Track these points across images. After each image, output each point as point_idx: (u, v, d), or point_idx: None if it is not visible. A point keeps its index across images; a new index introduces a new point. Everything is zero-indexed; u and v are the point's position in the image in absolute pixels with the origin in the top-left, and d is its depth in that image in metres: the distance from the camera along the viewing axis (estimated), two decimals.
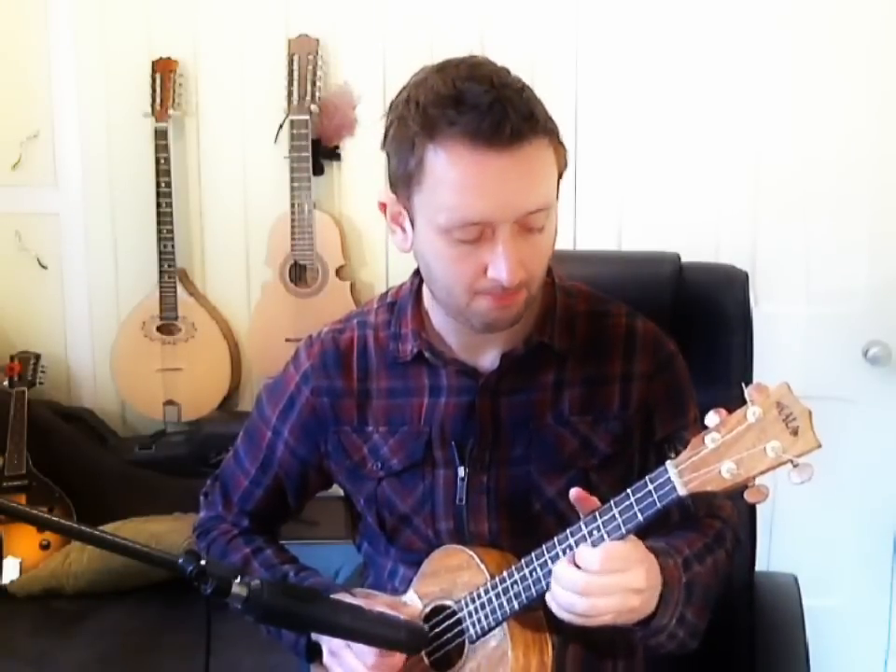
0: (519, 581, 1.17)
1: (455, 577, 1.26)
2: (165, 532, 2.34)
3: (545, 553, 1.15)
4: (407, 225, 1.21)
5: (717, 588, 1.28)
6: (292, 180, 2.54)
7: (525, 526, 1.29)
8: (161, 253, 2.64)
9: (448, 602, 1.25)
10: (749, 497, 1.03)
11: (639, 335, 1.32)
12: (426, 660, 1.26)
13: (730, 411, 1.03)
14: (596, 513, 1.12)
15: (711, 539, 1.29)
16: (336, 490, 1.46)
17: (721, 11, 2.40)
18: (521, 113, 1.11)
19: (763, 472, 1.01)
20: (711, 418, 1.03)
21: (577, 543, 1.12)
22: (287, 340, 2.55)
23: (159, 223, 2.63)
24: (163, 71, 2.62)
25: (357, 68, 2.60)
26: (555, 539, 1.15)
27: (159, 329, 2.70)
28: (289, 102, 2.55)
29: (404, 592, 1.32)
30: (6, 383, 2.63)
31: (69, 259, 2.81)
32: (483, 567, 1.23)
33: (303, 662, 1.36)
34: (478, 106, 1.10)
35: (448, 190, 1.13)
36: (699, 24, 2.41)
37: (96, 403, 2.84)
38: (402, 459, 1.32)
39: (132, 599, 2.32)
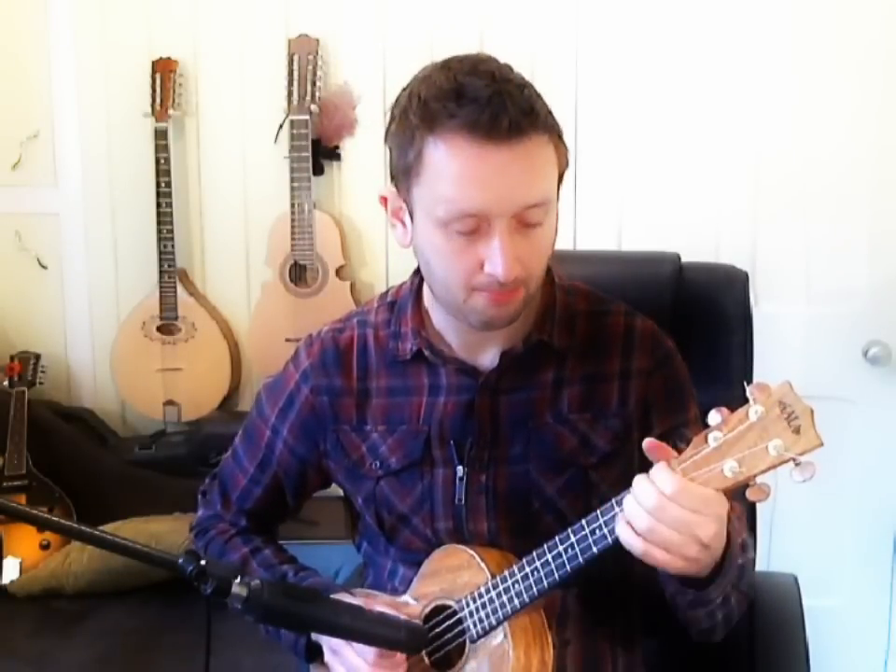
0: (520, 581, 1.17)
1: (455, 576, 1.25)
2: (165, 532, 2.34)
3: (546, 552, 1.15)
4: (407, 219, 1.22)
5: (752, 586, 1.28)
6: (292, 180, 2.54)
7: (524, 525, 1.29)
8: (160, 253, 2.64)
9: (449, 602, 1.25)
10: (750, 495, 1.02)
11: (638, 333, 1.32)
12: (426, 660, 1.26)
13: (731, 410, 1.03)
14: (598, 511, 1.11)
15: (748, 534, 1.28)
16: (336, 490, 1.46)
17: (721, 11, 2.40)
18: (520, 107, 1.11)
19: (765, 471, 1.00)
20: (713, 417, 1.03)
21: (579, 542, 1.12)
22: (287, 340, 2.55)
23: (159, 223, 2.63)
24: (163, 71, 2.62)
25: (357, 68, 2.60)
26: (557, 538, 1.14)
27: (159, 329, 2.70)
28: (289, 102, 2.55)
29: (404, 592, 1.32)
30: (6, 383, 2.63)
31: (69, 259, 2.81)
32: (483, 566, 1.23)
33: (303, 662, 1.36)
34: (478, 99, 1.11)
35: (446, 182, 1.14)
36: (699, 25, 2.42)
37: (96, 403, 2.84)
38: (401, 458, 1.32)
39: (132, 599, 2.32)
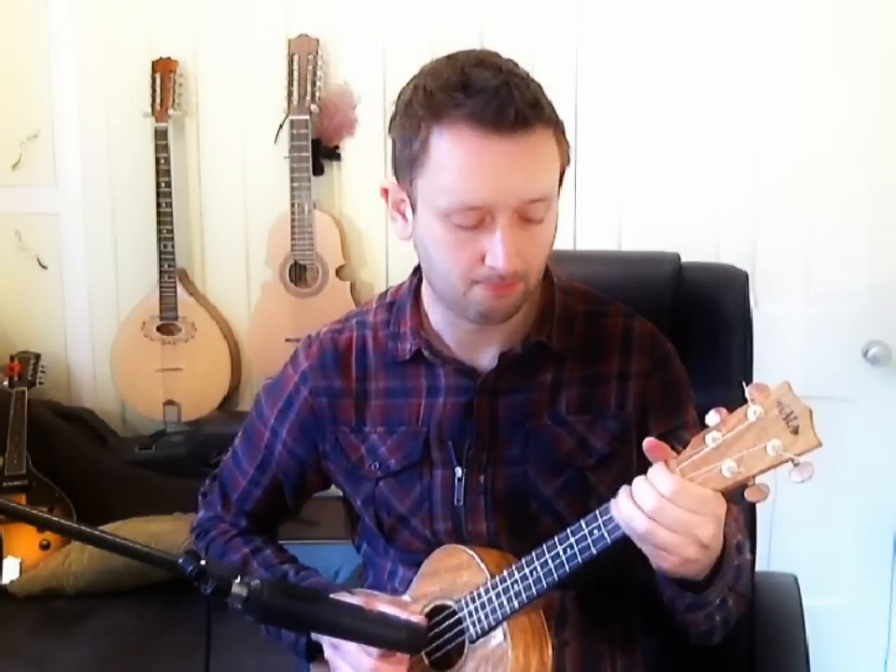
0: (519, 581, 1.17)
1: (454, 577, 1.25)
2: (165, 532, 2.34)
3: (546, 552, 1.15)
4: (408, 211, 1.22)
5: (750, 588, 1.28)
6: (292, 180, 2.54)
7: (522, 526, 1.29)
8: (161, 253, 2.64)
9: (448, 602, 1.25)
10: (749, 496, 1.02)
11: (636, 334, 1.32)
12: (426, 660, 1.26)
13: (730, 410, 1.03)
14: (597, 512, 1.11)
15: (743, 535, 1.28)
16: (336, 490, 1.46)
17: (721, 11, 2.40)
18: (527, 99, 1.12)
19: (763, 471, 1.00)
20: (712, 417, 1.03)
21: (578, 542, 1.12)
22: (287, 340, 2.54)
23: (159, 223, 2.63)
24: (163, 71, 2.62)
25: (357, 68, 2.60)
26: (556, 538, 1.14)
27: (159, 329, 2.70)
28: (289, 102, 2.55)
29: (404, 592, 1.32)
30: (6, 383, 2.63)
31: (69, 259, 2.81)
32: (483, 566, 1.23)
33: (303, 661, 1.36)
34: (485, 90, 1.11)
35: (450, 173, 1.14)
36: (699, 24, 2.42)
37: (96, 403, 2.84)
38: (400, 459, 1.32)
39: (132, 599, 2.32)
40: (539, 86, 1.17)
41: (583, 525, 1.12)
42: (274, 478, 1.42)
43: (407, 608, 1.26)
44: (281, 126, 2.60)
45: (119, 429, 2.83)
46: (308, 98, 2.54)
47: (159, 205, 2.62)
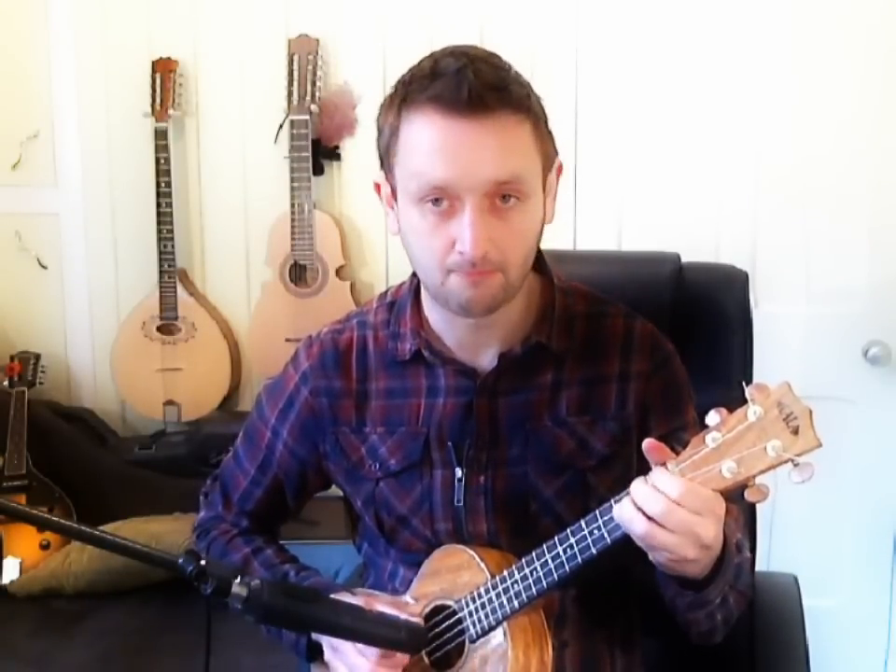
0: (519, 581, 1.17)
1: (455, 577, 1.26)
2: (165, 532, 2.34)
3: (546, 552, 1.15)
4: (395, 204, 1.23)
5: (750, 586, 1.28)
6: (292, 180, 2.55)
7: (522, 527, 1.29)
8: (161, 253, 2.64)
9: (448, 602, 1.25)
10: (749, 496, 1.02)
11: (637, 335, 1.32)
12: (426, 659, 1.26)
13: (730, 410, 1.03)
14: (597, 512, 1.11)
15: (742, 534, 1.28)
16: (336, 490, 1.46)
17: (721, 11, 2.40)
18: (486, 81, 1.13)
19: (763, 471, 1.01)
20: (712, 417, 1.03)
21: (578, 542, 1.12)
22: (287, 340, 2.55)
23: (159, 223, 2.63)
24: (163, 71, 2.62)
25: (357, 68, 2.60)
26: (556, 538, 1.14)
27: (159, 329, 2.70)
28: (289, 102, 2.55)
29: (404, 592, 1.32)
30: (6, 383, 2.63)
31: (69, 259, 2.81)
32: (483, 566, 1.23)
33: (303, 661, 1.36)
34: (447, 73, 1.13)
35: (417, 155, 1.16)
36: (699, 24, 2.42)
37: (96, 403, 2.84)
38: (400, 460, 1.32)
39: (132, 599, 2.32)
40: (513, 74, 1.17)
41: (583, 526, 1.12)
42: (275, 478, 1.42)
43: (406, 608, 1.26)
44: (281, 126, 2.60)
45: (119, 429, 2.83)
46: (308, 98, 2.54)
47: (159, 205, 2.62)
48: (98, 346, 2.83)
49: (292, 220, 2.56)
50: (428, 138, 1.14)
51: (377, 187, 1.27)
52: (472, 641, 1.22)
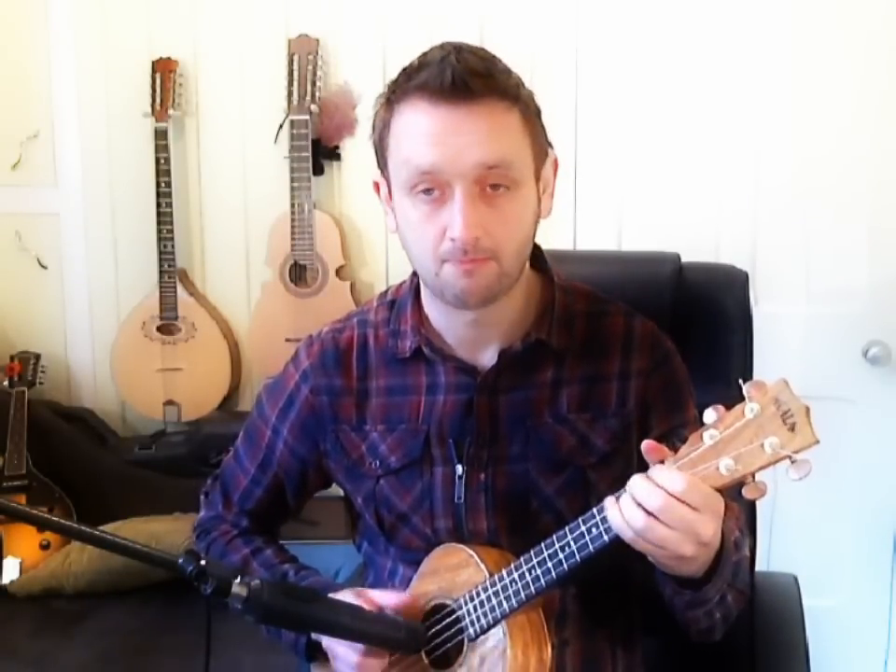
0: (518, 580, 1.17)
1: (454, 575, 1.25)
2: (165, 532, 2.34)
3: (544, 550, 1.15)
4: (391, 200, 1.24)
5: (749, 584, 1.28)
6: (292, 180, 2.55)
7: (522, 524, 1.29)
8: (160, 253, 2.64)
9: (447, 601, 1.25)
10: (746, 493, 1.02)
11: (637, 333, 1.32)
12: (425, 659, 1.26)
13: (728, 408, 1.03)
14: (594, 511, 1.11)
15: (741, 532, 1.28)
16: (336, 490, 1.46)
17: (721, 11, 2.40)
18: (471, 68, 1.14)
19: (760, 468, 1.01)
20: (709, 415, 1.03)
21: (576, 541, 1.12)
22: (287, 340, 2.55)
23: (159, 223, 2.63)
24: (163, 71, 2.62)
25: (357, 68, 2.60)
26: (554, 536, 1.14)
27: (159, 328, 2.70)
28: (289, 102, 2.55)
29: (404, 591, 1.32)
30: (6, 383, 2.63)
31: (69, 259, 2.81)
32: (482, 565, 1.23)
33: (303, 661, 1.36)
34: (432, 62, 1.15)
35: (405, 143, 1.18)
36: (699, 25, 2.42)
37: (96, 403, 2.84)
38: (400, 457, 1.32)
39: (132, 599, 2.32)
40: (503, 67, 1.18)
41: (581, 524, 1.12)
42: (276, 477, 1.42)
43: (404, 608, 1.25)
44: (281, 126, 2.60)
45: (119, 429, 2.83)
46: (308, 98, 2.55)
47: (159, 205, 2.62)
48: (98, 346, 2.83)
49: (292, 220, 2.56)
50: (416, 125, 1.16)
51: (376, 186, 1.28)
52: (471, 640, 1.22)
